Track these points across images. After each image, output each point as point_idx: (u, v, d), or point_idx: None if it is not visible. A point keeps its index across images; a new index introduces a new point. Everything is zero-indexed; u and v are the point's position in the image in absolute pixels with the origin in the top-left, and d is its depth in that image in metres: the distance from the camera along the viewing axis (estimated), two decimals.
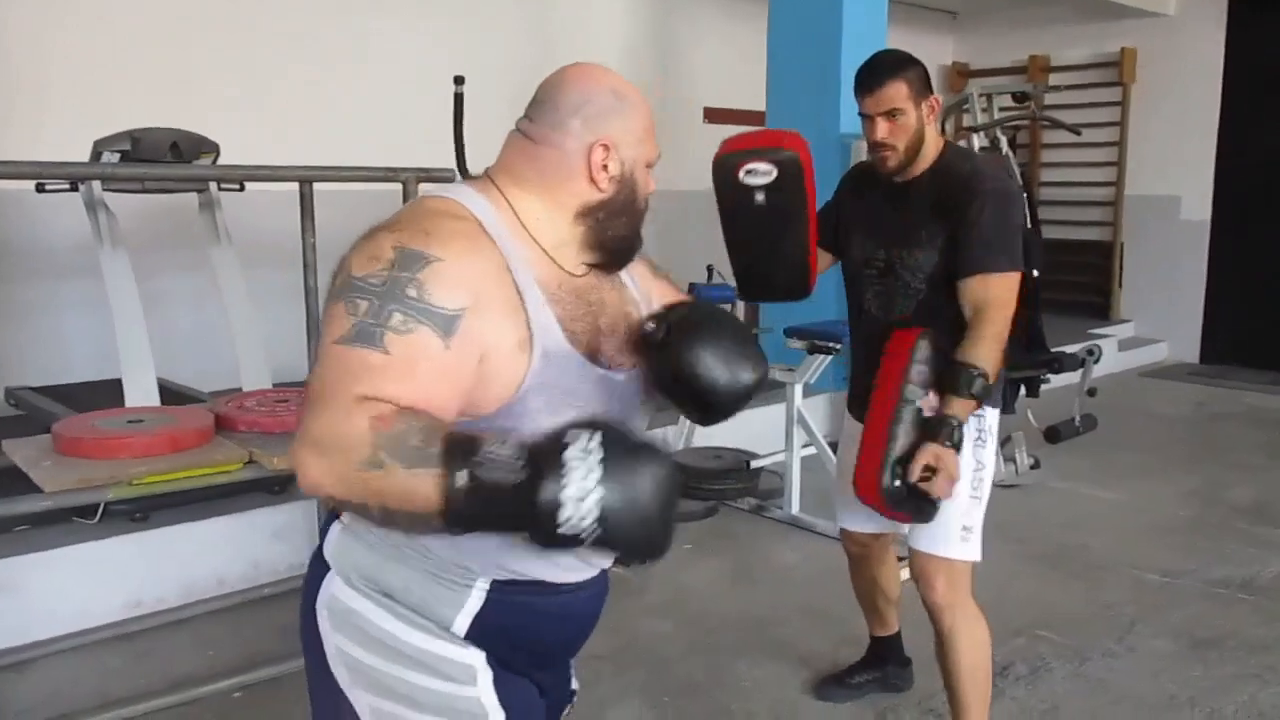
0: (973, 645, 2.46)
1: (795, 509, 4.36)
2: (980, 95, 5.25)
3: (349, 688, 1.36)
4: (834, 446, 5.41)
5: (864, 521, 2.64)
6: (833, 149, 5.43)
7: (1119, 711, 2.92)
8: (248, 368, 3.70)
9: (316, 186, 3.02)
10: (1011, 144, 8.28)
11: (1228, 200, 7.98)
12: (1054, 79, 8.63)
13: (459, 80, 3.97)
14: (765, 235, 2.40)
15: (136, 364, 3.35)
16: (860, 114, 2.37)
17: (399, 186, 3.00)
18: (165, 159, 3.45)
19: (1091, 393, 4.73)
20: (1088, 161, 8.42)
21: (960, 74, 9.08)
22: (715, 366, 1.38)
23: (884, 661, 2.98)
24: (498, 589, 1.35)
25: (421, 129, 4.68)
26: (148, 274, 4.88)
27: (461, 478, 1.07)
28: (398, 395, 1.15)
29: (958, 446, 2.23)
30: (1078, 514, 4.59)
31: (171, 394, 4.00)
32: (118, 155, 3.37)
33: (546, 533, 1.07)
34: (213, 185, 3.76)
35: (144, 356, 3.37)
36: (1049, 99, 8.57)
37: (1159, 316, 8.38)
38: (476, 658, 1.35)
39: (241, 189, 3.87)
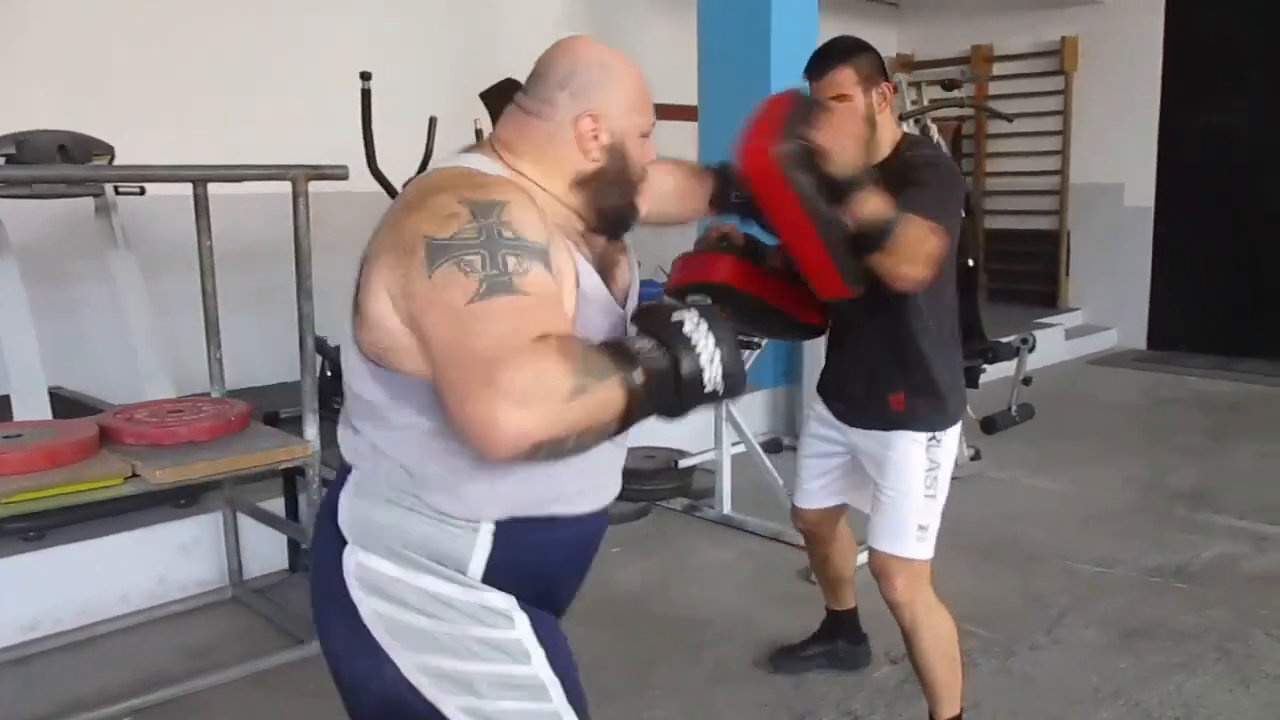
0: (935, 636, 2.46)
1: (727, 508, 4.27)
2: (910, 84, 5.19)
3: (392, 651, 1.37)
4: (770, 445, 5.36)
5: (809, 498, 2.72)
6: None
7: (1042, 705, 2.85)
8: (149, 377, 3.57)
9: (242, 191, 2.90)
10: (957, 134, 8.31)
11: (1170, 186, 7.99)
12: (997, 69, 8.64)
13: (365, 76, 3.86)
14: (754, 323, 2.58)
15: (25, 376, 3.21)
16: None
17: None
18: (53, 162, 3.31)
19: (1027, 381, 4.68)
20: (1032, 151, 8.41)
21: (904, 65, 9.03)
22: None
23: (835, 636, 3.01)
24: (503, 528, 1.39)
25: (351, 131, 4.55)
26: (63, 280, 4.77)
27: (636, 375, 1.21)
28: (549, 328, 1.19)
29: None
30: (1016, 505, 4.53)
31: (77, 406, 3.87)
32: (1, 160, 3.23)
33: (695, 397, 1.27)
34: (109, 189, 3.62)
35: (33, 368, 3.22)
36: (994, 88, 8.61)
37: (1107, 304, 8.38)
38: (509, 600, 1.40)
39: (141, 193, 3.73)
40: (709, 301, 2.31)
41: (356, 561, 1.39)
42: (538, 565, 1.44)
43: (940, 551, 2.75)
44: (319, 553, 1.47)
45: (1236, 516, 4.32)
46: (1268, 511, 4.35)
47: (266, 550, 3.69)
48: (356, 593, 1.39)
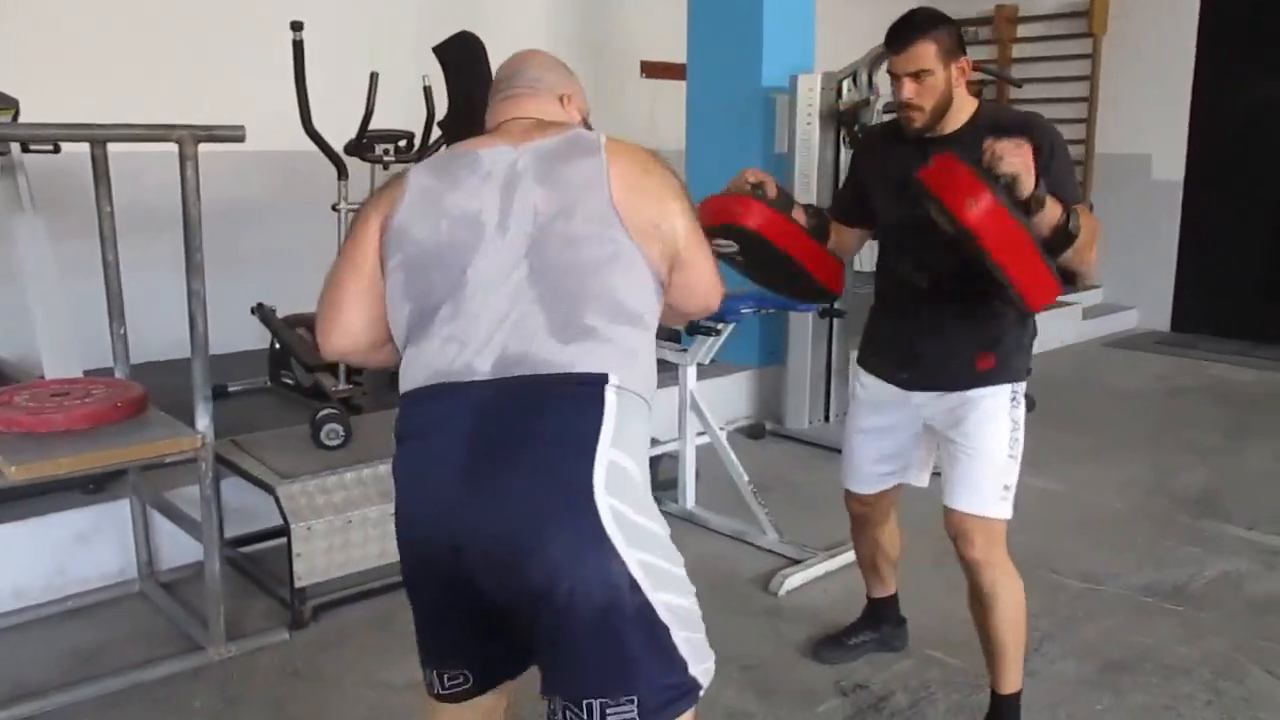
0: (1010, 601, 2.47)
1: (690, 503, 3.96)
2: None
3: (621, 548, 1.43)
4: (752, 430, 5.07)
5: (866, 482, 2.68)
6: (755, 103, 5.02)
7: None
8: (51, 353, 3.29)
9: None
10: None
11: (1201, 160, 7.52)
12: (1021, 30, 8.16)
13: (296, 26, 3.53)
14: (766, 276, 2.69)
15: None
16: (888, 72, 2.35)
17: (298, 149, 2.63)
18: None
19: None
20: (1056, 118, 7.84)
21: None
22: None
23: (881, 621, 2.99)
24: None
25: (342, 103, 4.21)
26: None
27: None
28: None
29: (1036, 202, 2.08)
30: None
31: (4, 379, 3.62)
32: None
33: None
34: (15, 147, 3.33)
35: None
36: (1017, 51, 8.15)
37: (1129, 282, 7.96)
38: None
39: (56, 150, 3.44)
40: (735, 247, 2.42)
41: (610, 460, 1.45)
42: None
43: (910, 558, 2.73)
44: (559, 455, 1.46)
45: (1246, 527, 3.98)
46: None
47: (185, 538, 3.41)
48: (600, 492, 1.43)
